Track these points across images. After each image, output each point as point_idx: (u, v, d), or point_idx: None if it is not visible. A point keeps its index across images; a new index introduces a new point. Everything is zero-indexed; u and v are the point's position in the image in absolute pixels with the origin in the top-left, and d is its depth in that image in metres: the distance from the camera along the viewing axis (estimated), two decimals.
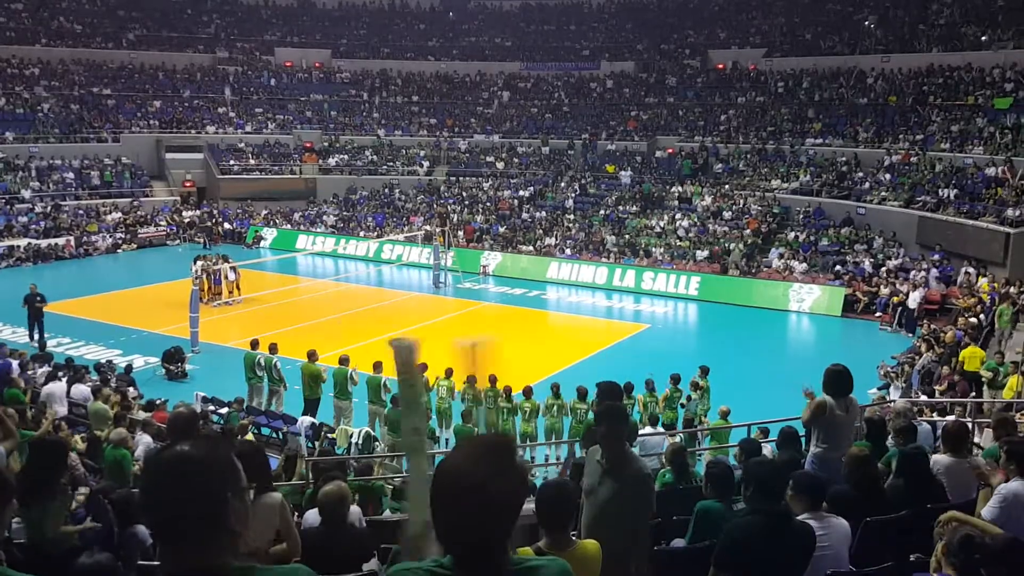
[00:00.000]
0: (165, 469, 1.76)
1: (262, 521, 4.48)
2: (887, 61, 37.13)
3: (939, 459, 5.73)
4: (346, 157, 42.74)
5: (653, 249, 29.77)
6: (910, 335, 21.22)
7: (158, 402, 12.65)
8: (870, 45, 39.04)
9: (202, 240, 35.21)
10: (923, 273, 23.86)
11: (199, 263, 24.06)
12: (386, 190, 40.29)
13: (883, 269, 25.24)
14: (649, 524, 4.43)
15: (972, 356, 14.96)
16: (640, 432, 10.54)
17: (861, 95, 36.47)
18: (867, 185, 30.29)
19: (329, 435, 13.50)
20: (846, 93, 37.14)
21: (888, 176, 30.05)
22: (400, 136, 44.47)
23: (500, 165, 40.68)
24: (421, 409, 1.96)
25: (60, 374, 14.92)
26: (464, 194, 38.57)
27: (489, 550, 1.76)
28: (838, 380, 6.20)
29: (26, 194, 35.21)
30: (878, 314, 23.32)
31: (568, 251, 31.09)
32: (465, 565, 1.75)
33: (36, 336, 19.43)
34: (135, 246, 34.65)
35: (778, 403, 11.84)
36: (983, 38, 34.88)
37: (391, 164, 42.23)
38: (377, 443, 12.91)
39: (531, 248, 31.93)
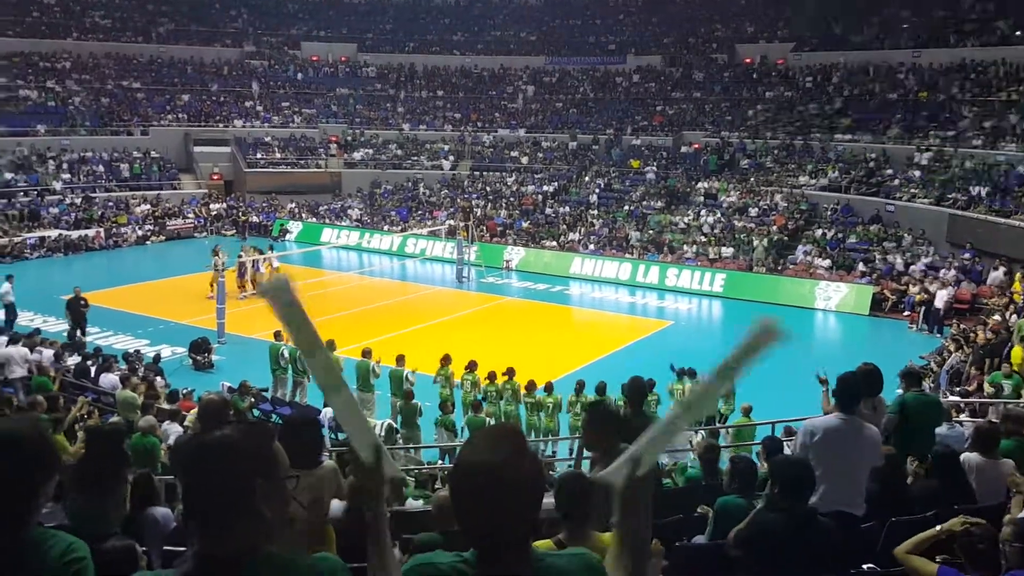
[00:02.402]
0: (191, 455, 1.79)
1: (320, 491, 4.54)
2: (918, 56, 36.61)
3: (970, 458, 5.65)
4: (371, 151, 42.90)
5: (684, 246, 29.52)
6: (938, 335, 20.96)
7: (184, 392, 12.78)
8: (901, 40, 38.52)
9: (233, 233, 35.69)
10: (952, 272, 23.55)
11: (221, 256, 24.31)
12: (410, 184, 40.40)
13: (911, 267, 24.93)
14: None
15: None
16: None
17: (891, 90, 36.01)
18: (897, 182, 29.92)
19: None
20: (876, 88, 36.69)
21: (918, 173, 29.66)
22: (424, 131, 44.56)
23: (524, 160, 40.63)
24: (320, 343, 1.91)
25: (90, 362, 15.18)
26: (488, 189, 38.58)
27: (513, 542, 1.74)
28: (868, 379, 6.13)
29: (57, 186, 35.69)
30: (906, 313, 23.04)
31: (591, 247, 31.01)
32: (489, 559, 1.74)
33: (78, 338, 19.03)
34: (163, 238, 35.04)
35: (802, 402, 11.74)
36: (1017, 32, 34.28)
37: (415, 158, 42.34)
38: (399, 435, 12.97)
39: (554, 243, 31.88)
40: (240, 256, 24.80)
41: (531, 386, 13.98)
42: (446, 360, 14.77)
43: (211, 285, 23.88)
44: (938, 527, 4.00)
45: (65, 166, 37.07)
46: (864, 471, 5.11)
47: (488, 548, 1.75)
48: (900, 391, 7.39)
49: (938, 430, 7.19)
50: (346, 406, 1.94)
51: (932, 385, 15.90)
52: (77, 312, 19.29)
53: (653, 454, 2.07)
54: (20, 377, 13.57)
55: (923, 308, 22.25)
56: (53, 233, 32.23)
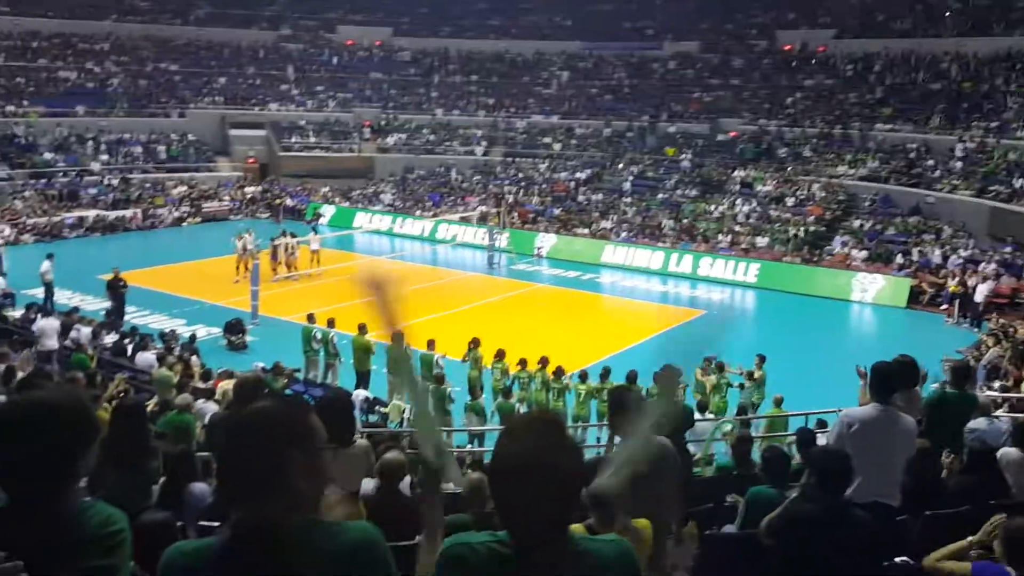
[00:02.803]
0: (227, 428, 1.81)
1: (354, 468, 4.65)
2: (962, 45, 35.82)
3: (1008, 453, 5.55)
4: (404, 136, 42.99)
5: (718, 235, 29.23)
6: (976, 329, 20.61)
7: (218, 371, 12.94)
8: (945, 28, 37.72)
9: (268, 216, 36.11)
10: (992, 265, 23.10)
11: (247, 237, 24.62)
12: (442, 170, 40.43)
13: (949, 260, 24.49)
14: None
15: None
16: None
17: (934, 80, 35.31)
18: (937, 173, 29.37)
19: (381, 409, 13.69)
20: (918, 77, 35.99)
21: (959, 164, 29.09)
22: (458, 116, 44.53)
23: (557, 146, 40.47)
24: (406, 341, 2.00)
25: (127, 341, 15.45)
26: (520, 175, 38.49)
27: (553, 530, 1.75)
28: (904, 372, 6.04)
29: (95, 167, 36.20)
30: (943, 306, 22.67)
31: (624, 235, 30.84)
32: (527, 546, 1.74)
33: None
34: (199, 220, 35.44)
35: (836, 394, 11.61)
36: None
37: (448, 144, 42.36)
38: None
39: (586, 231, 31.75)
40: (274, 240, 25.06)
41: (559, 372, 13.98)
42: (475, 343, 14.82)
43: (236, 269, 24.22)
44: (969, 538, 3.94)
45: (103, 147, 37.59)
46: (900, 462, 5.06)
47: (529, 535, 1.75)
48: (936, 385, 7.30)
49: (976, 425, 7.08)
50: (420, 404, 2.01)
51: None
52: (117, 293, 19.52)
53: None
54: (53, 349, 13.95)
55: (957, 301, 21.91)
56: (91, 213, 32.73)
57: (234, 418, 1.84)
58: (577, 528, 3.18)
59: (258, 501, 1.75)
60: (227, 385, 11.14)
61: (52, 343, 14.34)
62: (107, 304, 19.66)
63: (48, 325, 14.78)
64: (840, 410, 5.64)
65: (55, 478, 1.95)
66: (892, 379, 5.24)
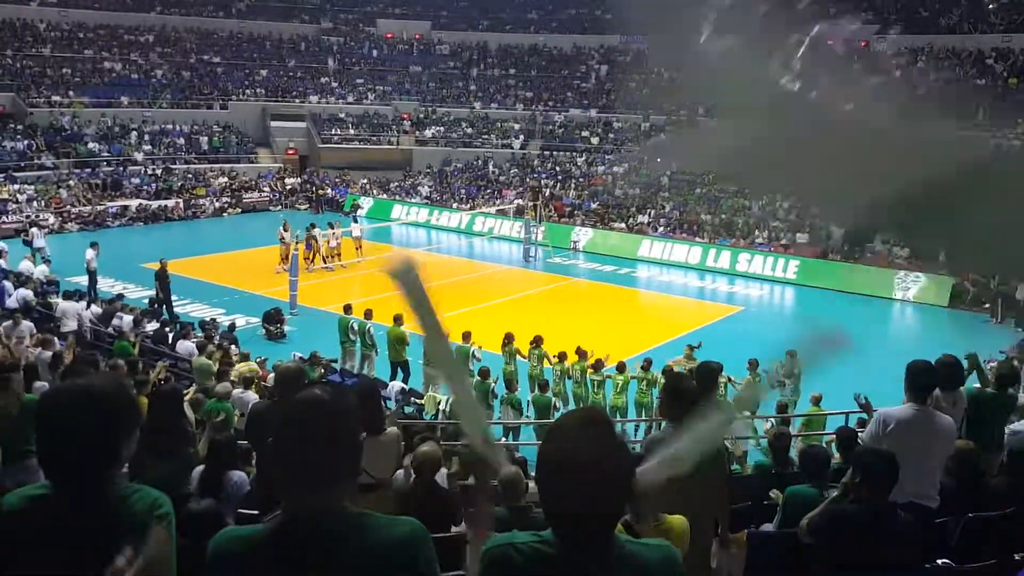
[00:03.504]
0: (282, 418, 1.82)
1: (385, 456, 4.68)
2: (1008, 40, 35.02)
3: None
4: (442, 129, 43.09)
5: (756, 231, 28.93)
6: (1020, 329, 20.18)
7: (257, 360, 13.09)
8: (990, 24, 36.89)
9: (307, 207, 36.53)
10: None
11: (290, 230, 24.87)
12: (480, 163, 40.48)
13: None
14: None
15: None
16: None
17: (979, 76, 34.57)
18: None
19: (417, 401, 13.76)
20: (964, 73, 35.25)
21: None
22: (496, 109, 44.54)
23: (595, 140, 40.30)
24: (442, 332, 1.99)
25: (167, 329, 15.71)
26: (557, 169, 38.40)
27: (599, 530, 1.74)
28: (948, 372, 5.94)
29: (138, 157, 36.79)
30: (986, 305, 22.23)
31: (661, 229, 30.64)
32: (572, 546, 1.74)
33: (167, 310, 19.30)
34: (239, 210, 35.88)
35: (876, 394, 11.44)
36: None
37: (486, 137, 42.38)
38: None
39: (623, 225, 31.59)
40: (308, 230, 25.24)
41: (598, 364, 13.95)
42: (509, 338, 14.83)
43: (281, 259, 24.50)
44: None
45: (147, 138, 38.18)
46: (938, 463, 4.99)
47: (576, 534, 1.74)
48: (976, 386, 7.16)
49: (1019, 427, 6.94)
50: (465, 395, 2.02)
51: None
52: (164, 282, 19.71)
53: (691, 457, 2.13)
54: (72, 331, 14.38)
55: (1000, 300, 21.49)
56: (134, 203, 33.28)
57: (295, 403, 1.86)
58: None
59: (310, 491, 1.77)
60: (244, 369, 11.30)
61: (72, 324, 14.92)
62: (150, 293, 19.94)
63: (69, 307, 15.40)
64: (876, 410, 5.55)
65: (99, 463, 1.98)
66: (927, 377, 5.14)
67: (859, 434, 8.17)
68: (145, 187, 34.82)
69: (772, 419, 11.98)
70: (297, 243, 22.75)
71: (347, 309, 16.29)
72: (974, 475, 5.17)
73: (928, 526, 4.70)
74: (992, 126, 30.73)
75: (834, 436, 8.33)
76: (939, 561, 4.40)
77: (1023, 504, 4.87)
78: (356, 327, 15.85)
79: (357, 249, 26.45)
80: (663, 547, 1.90)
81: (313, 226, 25.93)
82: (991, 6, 37.60)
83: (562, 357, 14.37)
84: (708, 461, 3.97)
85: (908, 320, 23.31)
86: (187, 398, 7.67)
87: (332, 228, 26.05)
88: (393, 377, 14.84)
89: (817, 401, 12.20)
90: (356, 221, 28.94)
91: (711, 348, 14.60)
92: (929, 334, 21.08)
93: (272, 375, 11.72)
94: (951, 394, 6.03)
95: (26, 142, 34.17)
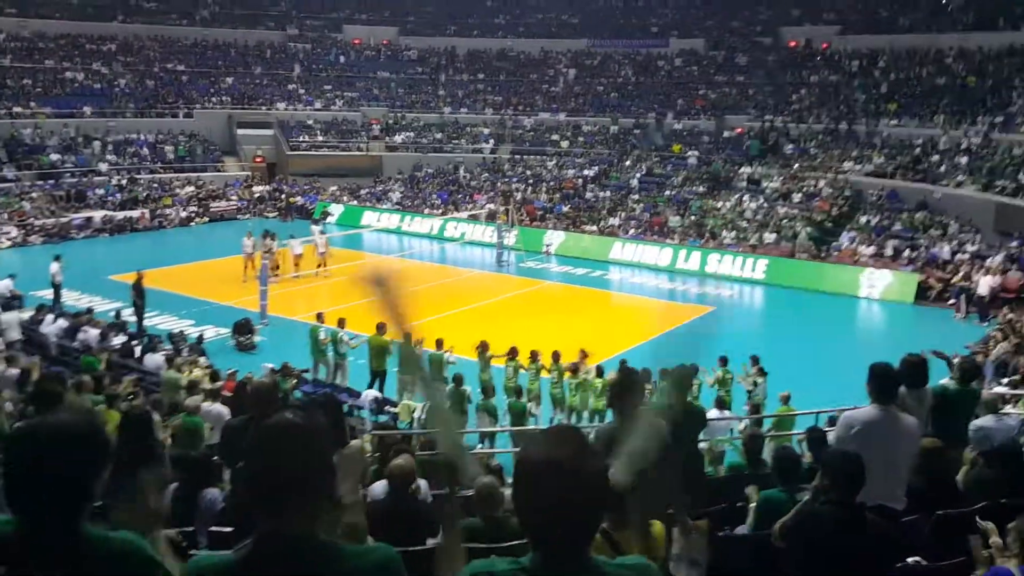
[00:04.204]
0: (260, 439, 1.81)
1: (348, 470, 4.64)
2: (966, 40, 35.69)
3: None
4: (412, 135, 43.02)
5: (724, 231, 29.20)
6: (983, 324, 20.53)
7: (227, 372, 12.96)
8: (949, 23, 37.58)
9: (276, 215, 36.25)
10: (999, 260, 23.01)
11: (253, 240, 24.57)
12: (451, 168, 40.46)
13: (957, 256, 24.37)
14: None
15: None
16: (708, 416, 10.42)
17: (939, 75, 35.19)
18: (943, 168, 29.26)
19: (391, 409, 13.70)
20: (923, 72, 35.87)
21: (965, 159, 28.97)
22: (465, 114, 44.56)
23: (564, 144, 40.45)
24: (415, 339, 2.00)
25: (135, 343, 15.51)
26: (528, 173, 38.49)
27: (577, 540, 1.72)
28: (915, 371, 6.01)
29: (103, 167, 36.31)
30: (951, 302, 22.60)
31: (632, 231, 30.82)
32: (550, 563, 1.72)
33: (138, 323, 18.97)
34: (207, 220, 35.52)
35: (846, 392, 11.59)
36: None
37: (456, 142, 42.38)
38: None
39: (594, 228, 31.73)
40: (264, 238, 24.84)
41: (574, 368, 13.99)
42: (484, 346, 14.82)
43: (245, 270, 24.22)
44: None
45: (111, 148, 37.70)
46: (904, 464, 5.01)
47: (548, 549, 1.73)
48: (944, 381, 7.26)
49: (983, 423, 7.05)
50: (434, 401, 2.03)
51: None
52: (141, 294, 19.30)
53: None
54: (16, 340, 14.41)
55: (965, 296, 21.87)
56: (99, 214, 32.81)
57: (267, 428, 1.84)
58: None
59: (281, 517, 1.75)
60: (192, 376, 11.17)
61: (14, 334, 14.79)
62: (117, 305, 19.66)
63: (10, 318, 15.34)
64: (847, 409, 5.61)
65: (71, 503, 1.93)
66: (891, 378, 5.20)
67: (828, 433, 8.28)
68: (110, 198, 34.37)
69: (746, 420, 12.10)
70: (266, 252, 22.57)
71: (319, 317, 16.20)
72: (942, 472, 5.25)
73: (896, 527, 4.76)
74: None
75: (804, 435, 8.43)
76: (909, 559, 4.45)
77: (992, 500, 4.95)
78: (324, 335, 15.74)
79: (320, 263, 25.57)
80: (640, 566, 1.90)
81: (269, 235, 25.46)
82: (949, 8, 38.31)
83: (534, 356, 14.38)
84: (652, 450, 3.96)
85: (875, 317, 23.63)
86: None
87: (293, 238, 25.61)
88: (371, 386, 14.76)
89: (786, 400, 12.31)
90: (323, 232, 27.58)
91: (684, 349, 14.70)
92: (896, 330, 21.39)
93: (224, 382, 11.64)
94: (917, 392, 6.11)
95: None
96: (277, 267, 24.75)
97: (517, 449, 11.61)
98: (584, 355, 14.47)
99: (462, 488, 2.18)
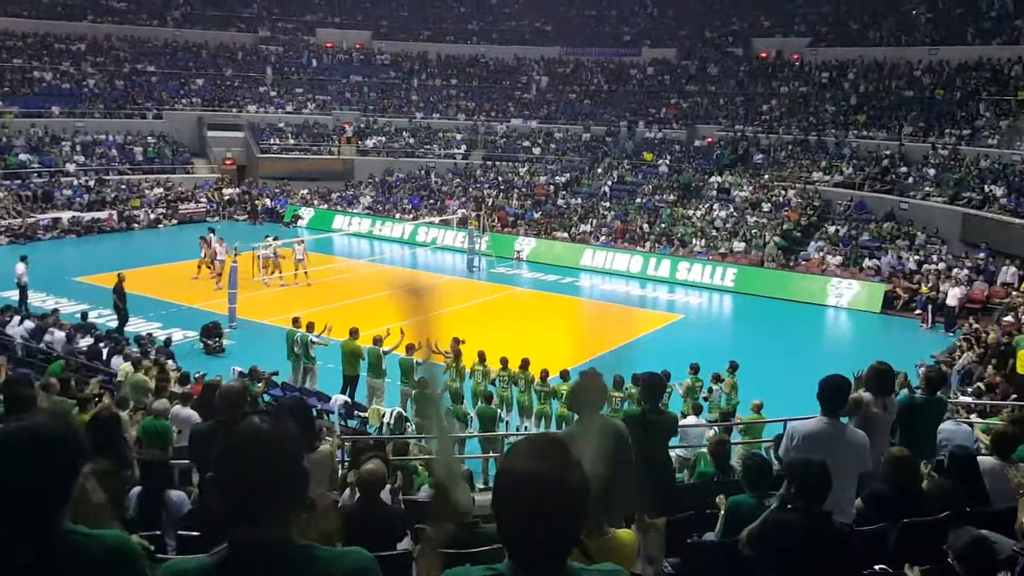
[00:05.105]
0: (233, 444, 1.80)
1: (317, 474, 4.62)
2: (935, 53, 36.33)
3: (985, 461, 5.63)
4: (384, 139, 42.89)
5: (694, 240, 29.45)
6: (950, 334, 20.88)
7: (195, 375, 12.84)
8: (918, 37, 38.25)
9: (245, 218, 35.94)
10: (964, 271, 23.43)
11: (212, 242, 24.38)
12: (422, 173, 40.39)
13: (924, 266, 24.77)
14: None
15: None
16: (681, 423, 10.49)
17: (907, 87, 35.79)
18: (911, 180, 29.75)
19: (360, 414, 13.64)
20: (892, 85, 36.46)
21: (933, 171, 29.49)
22: (437, 119, 44.51)
23: (536, 151, 40.56)
24: (434, 365, 2.03)
25: (102, 344, 15.30)
26: (500, 179, 38.53)
27: (556, 549, 1.71)
28: (881, 379, 6.10)
29: (70, 168, 35.80)
30: (918, 312, 22.96)
31: (603, 239, 30.96)
32: (527, 571, 1.71)
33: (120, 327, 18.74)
34: (175, 222, 35.14)
35: (813, 400, 11.71)
36: None
37: (428, 147, 42.32)
38: (408, 423, 13.00)
39: (566, 235, 31.84)
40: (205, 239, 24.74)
41: (544, 375, 14.02)
42: (457, 354, 14.80)
43: (199, 268, 24.05)
44: None
45: (79, 148, 37.19)
46: (850, 477, 5.00)
47: (526, 559, 1.72)
48: (907, 391, 7.33)
49: (944, 427, 7.17)
50: (439, 423, 2.05)
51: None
52: (123, 297, 19.03)
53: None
54: None
55: (931, 306, 22.23)
56: (66, 215, 32.36)
57: (238, 434, 1.83)
58: None
59: (255, 523, 1.74)
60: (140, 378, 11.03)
61: None
62: (83, 307, 19.39)
63: None
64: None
65: (50, 503, 1.92)
66: (841, 393, 5.24)
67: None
68: (78, 199, 33.89)
69: (715, 427, 12.18)
70: (236, 255, 22.36)
71: (295, 322, 16.10)
72: (909, 482, 5.31)
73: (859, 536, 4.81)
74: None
75: (772, 442, 8.51)
76: (876, 567, 4.51)
77: (958, 508, 5.03)
78: (300, 340, 15.65)
79: (297, 271, 25.33)
80: (615, 572, 1.90)
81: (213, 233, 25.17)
82: (925, 22, 38.96)
83: (504, 363, 14.39)
84: (609, 452, 3.99)
85: (842, 325, 23.94)
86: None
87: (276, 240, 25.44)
88: (343, 391, 14.67)
89: (758, 409, 12.42)
90: (300, 239, 27.41)
91: (654, 356, 14.79)
92: (863, 339, 21.70)
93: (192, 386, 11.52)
94: (883, 399, 6.19)
95: None
96: (278, 269, 24.64)
97: (488, 455, 11.62)
98: (528, 364, 14.42)
99: (449, 519, 2.17)
